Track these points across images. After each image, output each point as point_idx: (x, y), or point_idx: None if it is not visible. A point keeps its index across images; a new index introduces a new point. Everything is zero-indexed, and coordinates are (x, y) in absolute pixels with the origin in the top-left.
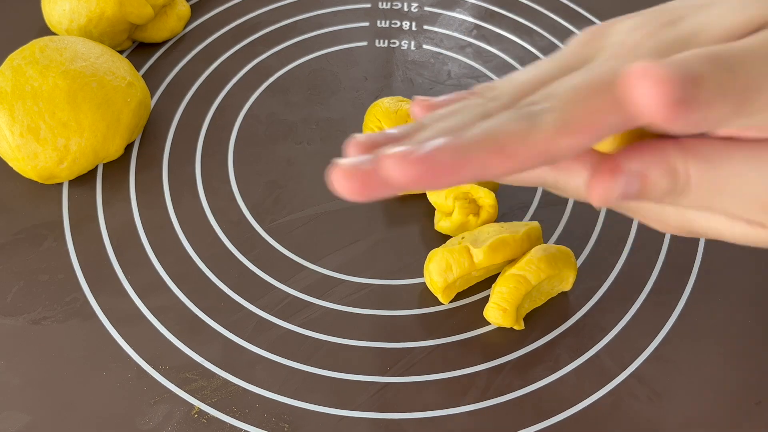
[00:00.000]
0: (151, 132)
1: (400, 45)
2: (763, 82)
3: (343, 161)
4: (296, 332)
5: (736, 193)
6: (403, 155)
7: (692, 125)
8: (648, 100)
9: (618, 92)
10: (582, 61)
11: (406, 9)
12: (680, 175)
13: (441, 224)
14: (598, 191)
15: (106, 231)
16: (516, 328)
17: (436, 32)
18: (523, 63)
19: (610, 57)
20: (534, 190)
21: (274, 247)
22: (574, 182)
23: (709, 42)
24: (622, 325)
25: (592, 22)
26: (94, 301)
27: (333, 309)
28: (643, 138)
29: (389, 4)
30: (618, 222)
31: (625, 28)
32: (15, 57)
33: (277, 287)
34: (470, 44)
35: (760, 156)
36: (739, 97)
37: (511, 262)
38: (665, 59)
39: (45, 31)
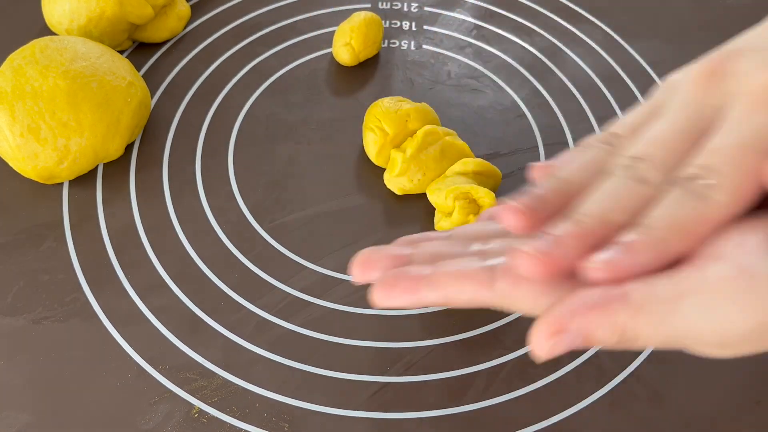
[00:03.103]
0: (151, 132)
1: (400, 45)
2: None
3: (540, 244)
4: (296, 332)
5: (689, 337)
6: (606, 261)
7: None
8: None
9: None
10: (711, 111)
11: (406, 9)
12: (628, 333)
13: (441, 224)
14: (539, 349)
15: (106, 231)
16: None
17: (436, 32)
18: (522, 63)
19: (749, 111)
20: None
21: (274, 247)
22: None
23: None
24: None
25: (592, 23)
26: (95, 301)
27: (333, 309)
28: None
29: (389, 4)
30: None
31: (744, 72)
32: (15, 57)
33: (277, 287)
34: (470, 44)
35: (709, 305)
36: None
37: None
38: None
39: (45, 31)
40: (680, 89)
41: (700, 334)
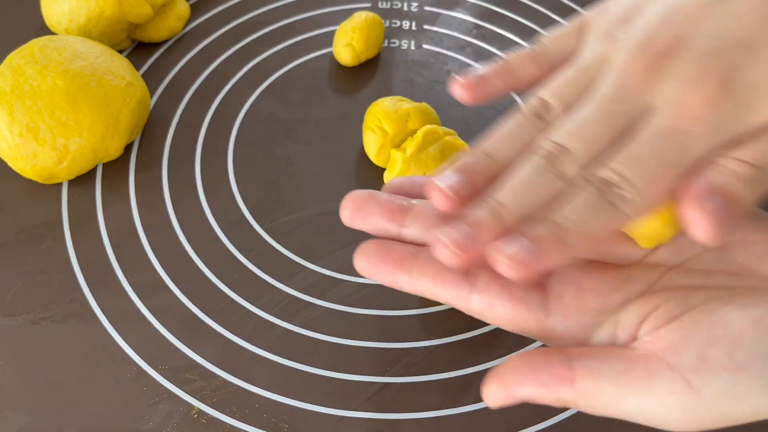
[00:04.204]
0: (150, 132)
1: (400, 45)
2: None
3: (453, 236)
4: (296, 332)
5: (628, 419)
6: (519, 259)
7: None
8: (703, 233)
9: (682, 178)
10: (639, 108)
11: (406, 9)
12: (569, 404)
13: None
14: (491, 401)
15: (105, 231)
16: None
17: (436, 32)
18: None
19: (672, 128)
20: None
21: (274, 247)
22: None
23: (756, 126)
24: None
25: None
26: (94, 301)
27: (333, 309)
28: None
29: (389, 3)
30: None
31: (683, 77)
32: (14, 57)
33: (277, 287)
34: (470, 44)
35: (651, 412)
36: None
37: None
38: (719, 188)
39: (44, 30)
40: (616, 69)
41: (637, 421)
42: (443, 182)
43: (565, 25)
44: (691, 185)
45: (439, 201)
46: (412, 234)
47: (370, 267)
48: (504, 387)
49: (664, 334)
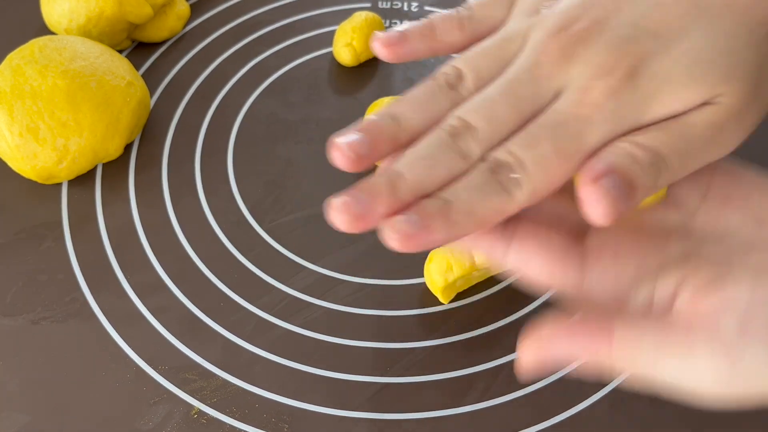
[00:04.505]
0: (150, 132)
1: None
2: (682, 171)
3: (345, 199)
4: (296, 332)
5: (663, 386)
6: (404, 232)
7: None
8: (595, 212)
9: (580, 165)
10: (547, 91)
11: (406, 9)
12: (605, 366)
13: None
14: (526, 361)
15: (105, 231)
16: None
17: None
18: None
19: (573, 114)
20: None
21: (273, 247)
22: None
23: (659, 117)
24: None
25: None
26: (94, 302)
27: (333, 309)
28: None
29: (389, 3)
30: None
31: (593, 63)
32: (14, 57)
33: (276, 287)
34: None
35: (689, 376)
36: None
37: None
38: (613, 168)
39: (44, 30)
40: (531, 49)
41: (674, 388)
42: (345, 140)
43: None
44: (589, 163)
45: (338, 159)
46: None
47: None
48: (541, 345)
49: (704, 302)
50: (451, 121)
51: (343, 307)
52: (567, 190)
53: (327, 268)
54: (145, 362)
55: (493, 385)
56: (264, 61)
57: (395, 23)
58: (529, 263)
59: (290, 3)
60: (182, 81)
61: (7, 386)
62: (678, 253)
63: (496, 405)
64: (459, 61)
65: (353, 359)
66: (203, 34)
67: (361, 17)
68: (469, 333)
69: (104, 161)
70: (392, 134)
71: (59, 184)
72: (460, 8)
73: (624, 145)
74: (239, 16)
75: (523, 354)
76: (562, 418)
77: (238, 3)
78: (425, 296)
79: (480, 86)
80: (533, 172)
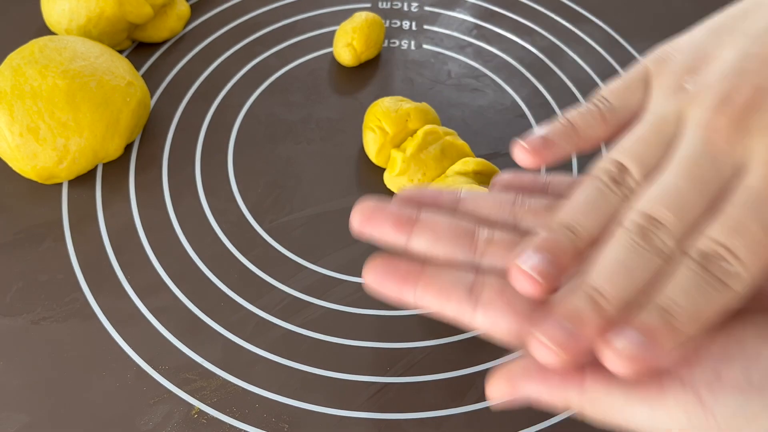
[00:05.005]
0: (150, 132)
1: (400, 45)
2: None
3: (549, 331)
4: (296, 332)
5: (628, 427)
6: (632, 356)
7: None
8: None
9: None
10: (729, 169)
11: (406, 9)
12: (576, 408)
13: None
14: (494, 394)
15: (105, 231)
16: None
17: (436, 32)
18: (523, 63)
19: (766, 188)
20: None
21: (274, 247)
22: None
23: None
24: None
25: (593, 22)
26: (94, 301)
27: (333, 309)
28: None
29: (389, 3)
30: None
31: None
32: (14, 57)
33: (277, 287)
34: (470, 44)
35: (656, 411)
36: None
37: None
38: None
39: (44, 30)
40: (697, 127)
41: None
42: (526, 264)
43: (625, 77)
44: None
45: (524, 286)
46: (419, 246)
47: (377, 282)
48: (511, 382)
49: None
50: (634, 218)
51: (343, 307)
52: None
53: (327, 268)
54: (145, 362)
55: None
56: (264, 61)
57: (395, 23)
58: (496, 323)
59: (290, 3)
60: (182, 81)
61: (7, 386)
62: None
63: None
64: (617, 154)
65: (353, 359)
66: (203, 34)
67: (361, 17)
68: (468, 333)
69: (104, 161)
70: (572, 246)
71: (59, 184)
72: (596, 101)
73: None
74: (239, 16)
75: (492, 389)
76: (562, 418)
77: (238, 3)
78: None
79: (647, 176)
80: (747, 260)
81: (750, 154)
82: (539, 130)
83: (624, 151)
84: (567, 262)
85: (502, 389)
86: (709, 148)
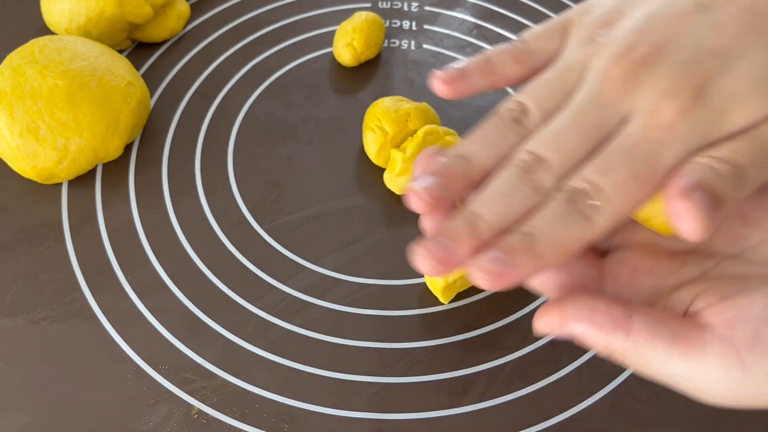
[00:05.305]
0: (150, 132)
1: (400, 45)
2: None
3: (428, 245)
4: (296, 332)
5: (668, 383)
6: (492, 271)
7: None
8: (688, 226)
9: (657, 186)
10: (615, 117)
11: (406, 8)
12: (617, 354)
13: None
14: (541, 326)
15: (105, 231)
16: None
17: (436, 32)
18: None
19: (646, 137)
20: None
21: (274, 247)
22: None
23: (730, 132)
24: None
25: None
26: (94, 302)
27: (333, 309)
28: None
29: (389, 3)
30: None
31: (658, 87)
32: (14, 57)
33: (277, 287)
34: (470, 44)
35: (696, 379)
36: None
37: None
38: (700, 183)
39: (44, 30)
40: (594, 76)
41: (679, 387)
42: (419, 185)
43: (549, 23)
44: (675, 181)
45: (414, 203)
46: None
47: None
48: (561, 316)
49: (719, 309)
50: (522, 155)
51: (343, 307)
52: None
53: (327, 268)
54: (145, 362)
55: (493, 385)
56: (264, 61)
57: (395, 23)
58: (548, 281)
59: (290, 3)
60: (182, 81)
61: (7, 386)
62: (695, 273)
63: (496, 405)
64: (521, 96)
65: (353, 359)
66: (203, 34)
67: (361, 17)
68: (469, 333)
69: (104, 161)
70: (464, 174)
71: (59, 184)
72: (515, 42)
73: (703, 161)
74: (239, 16)
75: (540, 322)
76: (562, 418)
77: (238, 3)
78: (425, 296)
79: (545, 118)
80: (612, 197)
81: (636, 104)
82: (457, 64)
83: (527, 93)
84: (457, 187)
85: (551, 323)
86: (599, 97)
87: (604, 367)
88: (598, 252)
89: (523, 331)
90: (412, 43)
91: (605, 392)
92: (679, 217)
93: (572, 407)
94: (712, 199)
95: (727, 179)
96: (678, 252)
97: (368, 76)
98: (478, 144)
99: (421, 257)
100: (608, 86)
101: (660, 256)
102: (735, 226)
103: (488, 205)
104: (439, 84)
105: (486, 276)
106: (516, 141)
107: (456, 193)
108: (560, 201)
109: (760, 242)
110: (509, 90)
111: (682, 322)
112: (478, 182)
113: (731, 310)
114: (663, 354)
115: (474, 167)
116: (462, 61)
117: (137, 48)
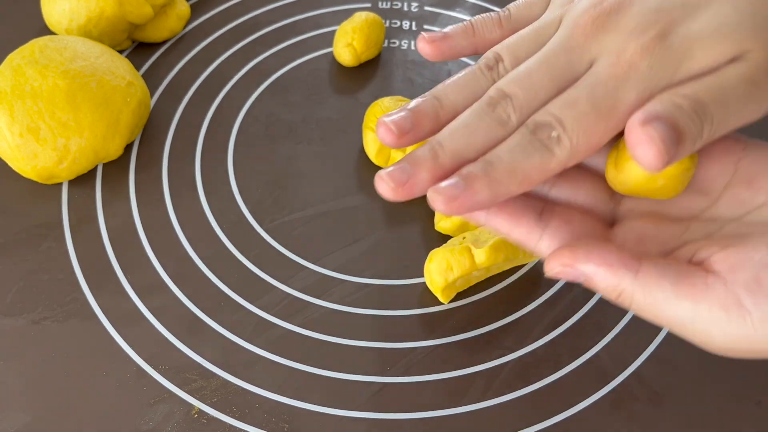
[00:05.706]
0: (150, 132)
1: (400, 45)
2: (725, 125)
3: (390, 169)
4: (296, 332)
5: (674, 328)
6: (448, 194)
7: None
8: (646, 154)
9: (619, 123)
10: (582, 59)
11: (406, 8)
12: (625, 296)
13: (441, 224)
14: (552, 267)
15: (105, 231)
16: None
17: (436, 32)
18: None
19: (609, 74)
20: None
21: (274, 247)
22: (533, 245)
23: (693, 73)
24: (622, 325)
25: None
26: (94, 301)
27: (333, 309)
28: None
29: (389, 3)
30: None
31: (625, 29)
32: (14, 57)
33: (277, 287)
34: None
35: (700, 321)
36: (707, 138)
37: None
38: (660, 115)
39: (44, 30)
40: (565, 26)
41: (684, 331)
42: (389, 117)
43: None
44: (636, 113)
45: (382, 134)
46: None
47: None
48: (572, 258)
49: (723, 256)
50: (490, 92)
51: (343, 307)
52: (600, 181)
53: (327, 268)
54: (146, 362)
55: (492, 385)
56: (264, 61)
57: (395, 23)
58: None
59: (290, 3)
60: (182, 81)
61: (7, 386)
62: (699, 235)
63: (496, 405)
64: (497, 47)
65: (353, 359)
66: (203, 34)
67: (361, 17)
68: (469, 333)
69: (104, 161)
70: (434, 112)
71: (59, 184)
72: (499, 10)
73: (666, 96)
74: (239, 16)
75: (551, 262)
76: (562, 418)
77: (238, 3)
78: (425, 296)
79: (517, 66)
80: (572, 130)
81: (603, 47)
82: (444, 29)
83: (503, 45)
84: (425, 124)
85: (563, 262)
86: (568, 41)
87: (604, 367)
88: (607, 222)
89: (523, 331)
90: (412, 43)
91: (605, 392)
92: (639, 143)
93: (572, 407)
94: (671, 131)
95: (689, 114)
96: (682, 218)
97: (368, 76)
98: (450, 87)
99: (382, 180)
100: (577, 31)
101: (664, 222)
102: (740, 191)
103: (452, 135)
104: (423, 45)
105: (441, 198)
106: (487, 86)
107: (424, 128)
108: (522, 132)
109: (763, 205)
110: None
111: (688, 266)
112: (447, 121)
113: (733, 257)
114: (669, 293)
115: (443, 107)
116: (448, 27)
117: (137, 48)
